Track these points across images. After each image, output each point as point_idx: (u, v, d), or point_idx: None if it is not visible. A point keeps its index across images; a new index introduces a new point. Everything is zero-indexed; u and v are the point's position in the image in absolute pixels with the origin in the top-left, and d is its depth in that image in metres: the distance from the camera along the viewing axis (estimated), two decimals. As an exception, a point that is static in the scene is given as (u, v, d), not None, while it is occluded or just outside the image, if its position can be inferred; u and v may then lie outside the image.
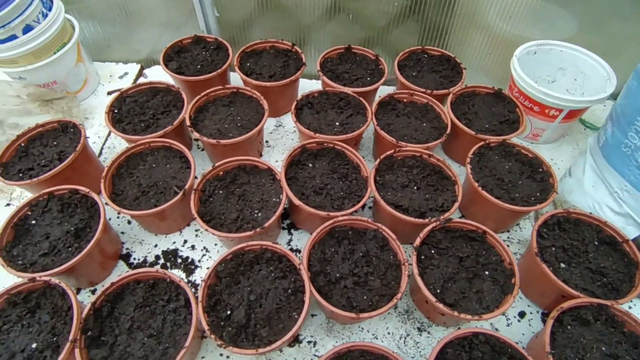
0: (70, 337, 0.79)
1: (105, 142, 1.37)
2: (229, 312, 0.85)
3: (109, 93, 1.49)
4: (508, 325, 1.01)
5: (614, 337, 0.83)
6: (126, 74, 1.57)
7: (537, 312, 1.03)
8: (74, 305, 0.83)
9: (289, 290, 0.89)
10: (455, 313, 0.84)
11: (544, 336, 0.81)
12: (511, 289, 0.89)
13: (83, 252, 0.91)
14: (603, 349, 0.82)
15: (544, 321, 1.02)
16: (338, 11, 1.57)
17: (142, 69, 1.61)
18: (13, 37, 1.16)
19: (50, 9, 1.25)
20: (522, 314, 1.03)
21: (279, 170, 1.06)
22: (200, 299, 0.85)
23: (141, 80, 1.57)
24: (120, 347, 0.82)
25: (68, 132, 1.16)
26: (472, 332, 0.83)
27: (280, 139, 1.38)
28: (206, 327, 0.81)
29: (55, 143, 1.14)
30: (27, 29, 1.18)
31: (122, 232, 1.15)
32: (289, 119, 1.43)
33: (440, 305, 0.84)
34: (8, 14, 1.11)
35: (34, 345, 0.81)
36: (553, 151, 1.36)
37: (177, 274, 1.06)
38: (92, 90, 1.49)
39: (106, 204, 1.01)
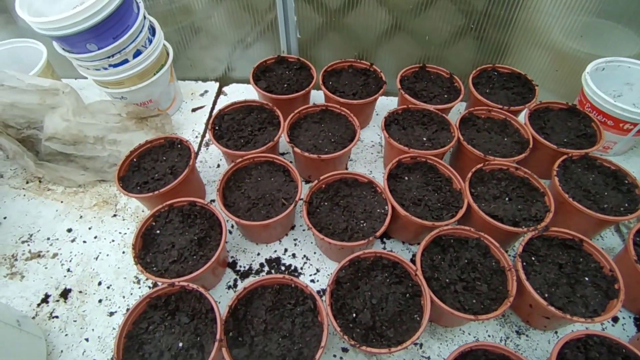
0: (218, 336, 0.86)
1: (197, 156, 1.46)
2: (354, 315, 0.92)
3: (194, 110, 1.59)
4: (603, 329, 1.07)
5: None
6: (206, 91, 1.67)
7: (630, 317, 1.09)
8: (215, 308, 0.91)
9: (407, 295, 0.96)
10: (568, 316, 0.90)
11: (654, 338, 0.87)
12: (616, 293, 0.95)
13: (212, 259, 0.99)
14: None
15: (636, 326, 1.07)
16: (398, 29, 1.66)
17: (220, 86, 1.71)
18: (125, 61, 1.27)
19: (154, 35, 1.35)
20: (615, 319, 1.08)
21: (377, 183, 1.14)
22: (327, 302, 0.92)
23: (222, 97, 1.67)
24: (259, 347, 0.89)
25: (175, 148, 1.25)
26: (585, 334, 0.88)
27: (360, 153, 1.46)
28: (338, 329, 0.88)
29: (164, 158, 1.23)
30: (137, 53, 1.28)
31: (225, 242, 1.23)
32: (366, 134, 1.52)
33: (552, 309, 0.91)
34: (125, 41, 1.21)
35: (180, 344, 0.89)
36: (624, 162, 1.41)
37: (285, 280, 1.13)
38: (177, 107, 1.59)
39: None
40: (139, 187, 1.17)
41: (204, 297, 0.93)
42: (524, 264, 1.01)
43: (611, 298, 0.95)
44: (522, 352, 1.03)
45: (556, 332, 1.07)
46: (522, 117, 1.34)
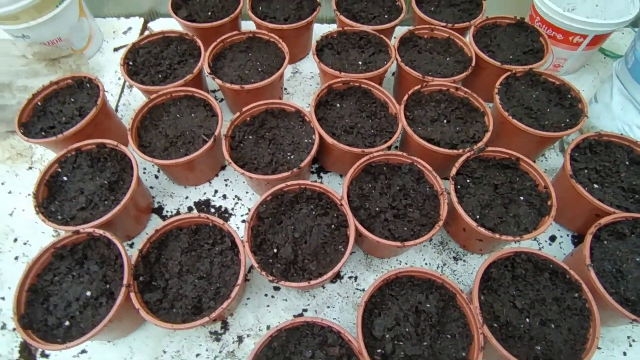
0: (124, 282, 0.80)
1: (120, 99, 1.33)
2: (275, 250, 0.87)
3: (116, 49, 1.44)
4: (540, 248, 1.04)
5: (650, 247, 0.86)
6: (130, 29, 1.51)
7: (567, 235, 1.06)
8: (123, 253, 0.84)
9: (332, 226, 0.90)
10: (497, 236, 0.86)
11: (583, 251, 0.84)
12: (548, 210, 0.91)
13: (122, 203, 0.91)
14: (638, 259, 0.85)
15: (574, 243, 1.05)
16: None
17: (145, 22, 1.54)
18: (13, -11, 1.10)
19: (47, -42, 1.17)
20: (552, 238, 1.06)
21: (306, 112, 1.04)
22: (246, 239, 0.86)
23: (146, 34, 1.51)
24: (173, 289, 0.84)
25: (84, 88, 1.12)
26: (514, 252, 0.85)
27: (298, 86, 1.35)
28: (256, 265, 0.83)
29: (72, 100, 1.11)
30: (28, -21, 1.11)
31: (151, 187, 1.15)
32: (305, 65, 1.40)
33: (482, 230, 0.86)
34: (6, -37, 1.04)
35: (88, 294, 0.83)
36: (574, 81, 1.34)
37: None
38: (97, 47, 1.44)
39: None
40: (43, 133, 1.05)
41: (113, 243, 0.86)
42: (458, 186, 0.95)
43: (543, 215, 0.91)
44: (458, 276, 1.01)
45: (494, 255, 1.04)
46: (469, 36, 1.24)
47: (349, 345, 0.77)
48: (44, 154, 1.23)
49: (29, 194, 1.15)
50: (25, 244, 1.07)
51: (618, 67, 1.11)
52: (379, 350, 0.76)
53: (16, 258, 1.05)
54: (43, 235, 1.08)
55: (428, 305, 0.81)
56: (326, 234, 0.88)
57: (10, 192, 1.15)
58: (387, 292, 0.83)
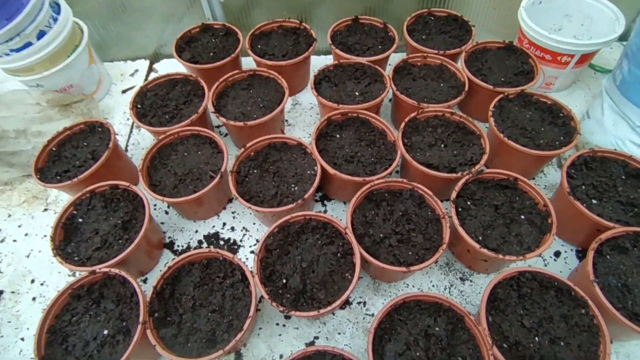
0: (140, 319, 0.83)
1: (129, 140, 1.39)
2: (284, 281, 0.89)
3: (124, 91, 1.51)
4: (545, 265, 1.06)
5: (652, 260, 0.87)
6: (137, 71, 1.58)
7: (572, 250, 1.08)
8: (138, 291, 0.87)
9: (338, 254, 0.92)
10: (500, 256, 0.88)
11: (586, 267, 0.86)
12: (549, 228, 0.93)
13: (135, 242, 0.95)
14: (642, 273, 0.86)
15: (578, 258, 1.07)
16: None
17: (151, 64, 1.61)
18: (28, 44, 1.17)
19: (59, 13, 1.25)
20: (557, 254, 1.07)
21: (307, 144, 1.09)
22: (255, 271, 0.89)
23: (153, 75, 1.58)
24: (187, 324, 0.86)
25: (96, 132, 1.18)
26: (518, 271, 0.87)
27: (299, 117, 1.40)
28: (266, 297, 0.85)
29: (85, 144, 1.16)
30: (41, 34, 1.19)
31: (162, 223, 1.19)
32: (304, 97, 1.45)
33: (485, 251, 0.88)
34: (22, 21, 1.12)
35: (105, 332, 0.85)
36: (567, 98, 1.38)
37: (223, 254, 1.09)
38: (106, 90, 1.51)
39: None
40: (59, 177, 1.10)
41: (128, 281, 0.89)
42: (460, 209, 0.98)
43: (545, 233, 0.93)
44: (466, 297, 1.02)
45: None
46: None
47: (361, 372, 0.78)
48: (59, 196, 1.27)
49: (44, 235, 1.19)
50: (42, 284, 1.10)
51: (607, 84, 1.15)
52: (391, 377, 0.77)
53: (34, 299, 1.08)
54: (59, 275, 1.12)
55: (437, 329, 0.82)
56: (333, 263, 0.91)
57: (27, 235, 1.20)
58: (395, 317, 0.84)
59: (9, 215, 1.24)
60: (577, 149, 1.21)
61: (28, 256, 1.16)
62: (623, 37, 1.51)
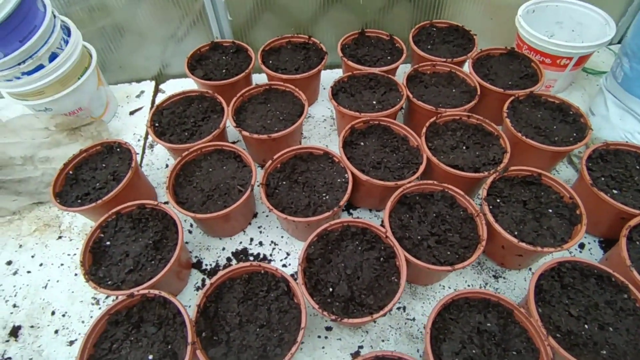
0: (189, 340, 0.80)
1: (142, 160, 1.36)
2: (331, 289, 0.88)
3: (132, 113, 1.48)
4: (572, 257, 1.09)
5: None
6: (142, 92, 1.56)
7: (594, 241, 1.12)
8: (182, 311, 0.84)
9: (381, 259, 0.93)
10: (538, 248, 0.90)
11: (621, 253, 0.89)
12: (579, 219, 0.96)
13: (171, 261, 0.92)
14: (673, 255, 0.90)
15: (602, 248, 1.11)
16: (333, 1, 1.61)
17: (157, 84, 1.60)
18: (40, 67, 1.15)
19: (69, 35, 1.23)
20: (582, 246, 1.11)
21: (334, 153, 1.10)
22: (301, 282, 0.87)
23: (161, 95, 1.57)
24: (236, 342, 0.83)
25: (114, 153, 1.15)
26: (558, 262, 0.89)
27: (313, 129, 1.41)
28: (316, 307, 0.84)
29: (104, 165, 1.13)
30: (53, 56, 1.16)
31: (186, 242, 1.16)
32: (317, 109, 1.47)
33: (523, 244, 0.91)
34: (35, 43, 1.09)
35: (150, 357, 0.82)
36: (566, 98, 1.45)
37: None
38: (113, 113, 1.48)
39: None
40: (79, 201, 1.06)
41: (169, 301, 0.86)
42: (491, 207, 1.00)
43: (575, 224, 0.96)
44: (501, 293, 1.03)
45: (530, 269, 1.08)
46: (467, 67, 1.34)
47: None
48: (72, 222, 1.22)
49: (61, 264, 1.14)
50: (64, 315, 1.05)
51: (607, 82, 1.23)
52: (453, 376, 0.77)
53: (56, 332, 1.02)
54: (81, 304, 1.06)
55: (489, 325, 0.83)
56: (376, 267, 0.91)
57: (42, 265, 1.14)
58: (446, 316, 0.85)
59: (20, 246, 1.18)
60: (587, 146, 1.27)
61: (45, 287, 1.10)
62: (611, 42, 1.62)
